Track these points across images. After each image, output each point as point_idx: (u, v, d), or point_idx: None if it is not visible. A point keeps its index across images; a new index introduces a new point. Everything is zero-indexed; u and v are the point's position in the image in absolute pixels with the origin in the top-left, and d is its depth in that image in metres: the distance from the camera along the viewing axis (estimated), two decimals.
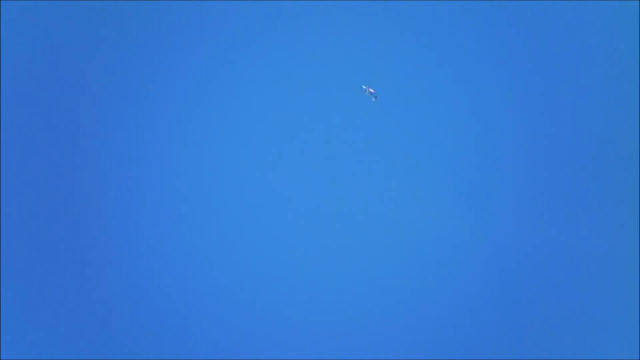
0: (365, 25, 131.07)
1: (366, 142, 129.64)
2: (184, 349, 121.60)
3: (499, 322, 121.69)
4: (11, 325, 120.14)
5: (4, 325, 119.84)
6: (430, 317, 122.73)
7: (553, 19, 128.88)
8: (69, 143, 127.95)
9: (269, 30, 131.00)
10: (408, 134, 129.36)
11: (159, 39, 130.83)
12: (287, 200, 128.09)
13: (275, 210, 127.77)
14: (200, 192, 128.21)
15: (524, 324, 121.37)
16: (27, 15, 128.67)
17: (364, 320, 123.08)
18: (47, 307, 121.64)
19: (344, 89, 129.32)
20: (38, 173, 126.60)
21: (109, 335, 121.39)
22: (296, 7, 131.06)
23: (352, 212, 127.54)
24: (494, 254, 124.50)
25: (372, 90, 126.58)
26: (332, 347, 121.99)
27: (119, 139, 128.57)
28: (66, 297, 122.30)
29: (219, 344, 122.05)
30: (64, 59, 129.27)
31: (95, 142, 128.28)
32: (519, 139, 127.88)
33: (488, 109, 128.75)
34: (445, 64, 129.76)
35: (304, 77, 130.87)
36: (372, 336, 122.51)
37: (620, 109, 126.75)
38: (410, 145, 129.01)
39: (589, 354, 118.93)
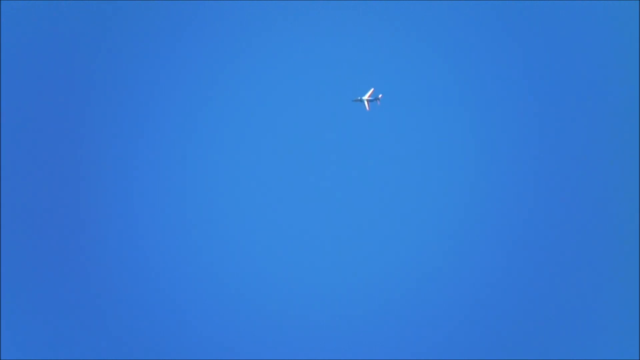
0: (365, 27, 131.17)
1: (365, 143, 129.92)
2: (183, 349, 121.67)
3: (499, 322, 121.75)
4: (11, 325, 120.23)
5: (4, 325, 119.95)
6: (430, 317, 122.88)
7: (553, 19, 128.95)
8: (69, 143, 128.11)
9: (269, 31, 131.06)
10: (407, 136, 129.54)
11: (159, 41, 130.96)
12: (286, 200, 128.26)
13: (274, 210, 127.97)
14: (200, 192, 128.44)
15: (524, 323, 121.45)
16: (27, 15, 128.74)
17: (364, 320, 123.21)
18: (47, 307, 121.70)
19: (343, 89, 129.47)
20: (38, 173, 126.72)
21: (109, 335, 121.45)
22: (296, 8, 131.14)
23: (352, 212, 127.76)
24: (493, 254, 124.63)
25: (369, 98, 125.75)
26: (331, 346, 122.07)
27: (117, 139, 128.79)
28: (66, 297, 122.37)
29: (218, 343, 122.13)
30: (64, 59, 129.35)
31: (95, 143, 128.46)
32: (518, 138, 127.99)
33: (487, 110, 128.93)
34: (445, 65, 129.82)
35: (304, 79, 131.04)
36: (371, 336, 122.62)
37: (620, 109, 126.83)
38: (409, 147, 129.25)
39: (589, 354, 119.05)
